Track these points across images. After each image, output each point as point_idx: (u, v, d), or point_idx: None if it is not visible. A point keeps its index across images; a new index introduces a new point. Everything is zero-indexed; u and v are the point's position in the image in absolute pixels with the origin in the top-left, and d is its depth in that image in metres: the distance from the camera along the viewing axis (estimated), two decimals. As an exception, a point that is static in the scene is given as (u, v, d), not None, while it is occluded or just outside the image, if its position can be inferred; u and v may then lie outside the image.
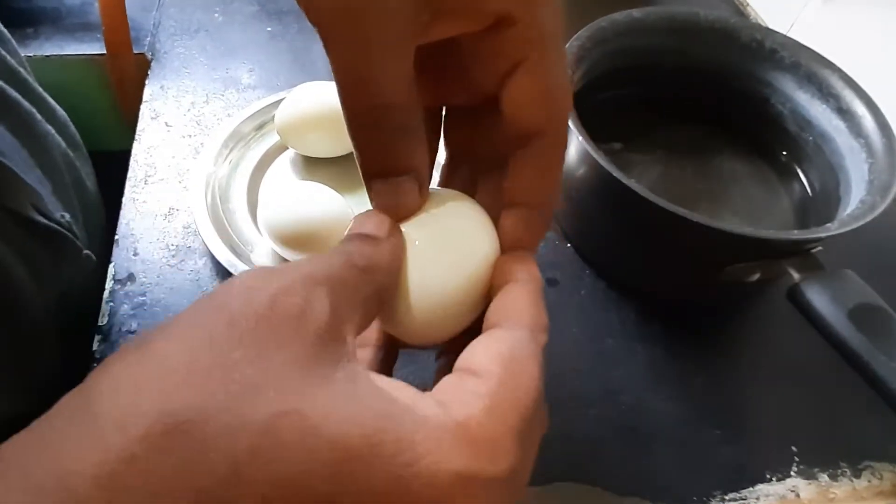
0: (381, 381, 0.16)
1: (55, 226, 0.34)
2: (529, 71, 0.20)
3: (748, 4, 0.63)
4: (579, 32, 0.40)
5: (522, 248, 0.21)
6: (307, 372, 0.15)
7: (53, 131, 0.39)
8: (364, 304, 0.18)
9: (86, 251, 0.36)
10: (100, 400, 0.14)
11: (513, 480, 0.16)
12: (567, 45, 0.39)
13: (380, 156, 0.20)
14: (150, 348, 0.14)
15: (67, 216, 0.35)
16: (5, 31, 0.40)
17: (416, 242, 0.20)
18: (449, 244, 0.20)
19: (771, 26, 0.60)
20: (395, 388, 0.16)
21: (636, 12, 0.42)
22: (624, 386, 0.35)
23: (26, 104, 0.37)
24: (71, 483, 0.13)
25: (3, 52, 0.37)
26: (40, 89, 0.41)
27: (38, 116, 0.38)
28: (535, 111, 0.21)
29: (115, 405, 0.13)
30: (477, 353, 0.18)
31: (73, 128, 0.44)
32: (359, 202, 0.40)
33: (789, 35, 0.56)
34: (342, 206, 0.35)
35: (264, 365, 0.14)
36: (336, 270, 0.17)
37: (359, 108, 0.19)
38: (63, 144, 0.40)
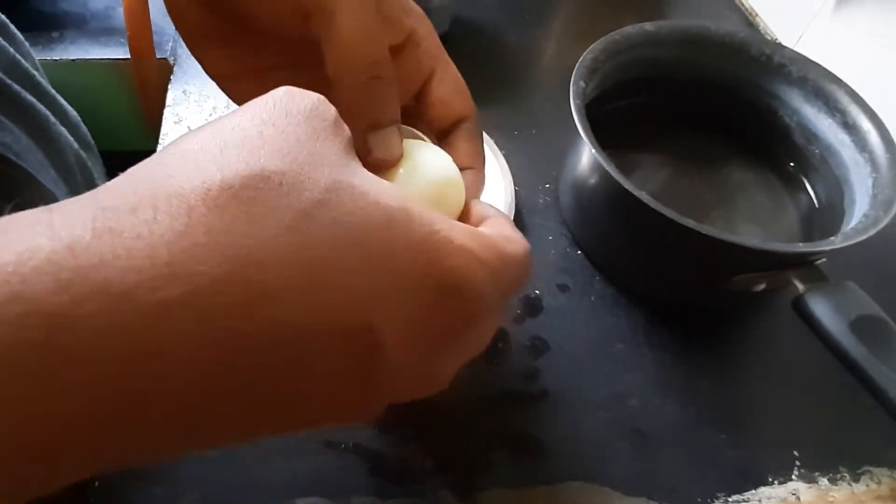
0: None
1: None
2: (445, 75, 0.27)
3: (757, 15, 0.64)
4: (592, 45, 0.41)
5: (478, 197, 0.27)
6: (347, 161, 0.19)
7: (66, 132, 0.40)
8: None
9: None
10: (170, 168, 0.16)
11: (496, 292, 0.20)
12: (581, 58, 0.40)
13: (377, 107, 0.24)
14: (223, 123, 0.18)
15: None
16: (19, 34, 0.41)
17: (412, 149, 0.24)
18: (435, 154, 0.25)
19: (780, 38, 0.61)
20: None
21: (648, 26, 0.43)
22: (632, 390, 0.36)
23: (40, 107, 0.38)
24: (188, 201, 0.15)
25: (18, 56, 0.38)
26: (53, 91, 0.42)
27: (52, 118, 0.39)
28: (460, 102, 0.27)
29: (209, 156, 0.16)
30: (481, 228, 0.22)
31: (84, 128, 0.45)
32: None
33: (798, 47, 0.57)
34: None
35: (318, 147, 0.18)
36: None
37: (361, 65, 0.23)
38: (76, 145, 0.41)
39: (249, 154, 0.17)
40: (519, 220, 0.43)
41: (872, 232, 0.32)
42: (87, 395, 0.14)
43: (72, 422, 0.14)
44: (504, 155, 0.45)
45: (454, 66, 0.27)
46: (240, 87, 0.28)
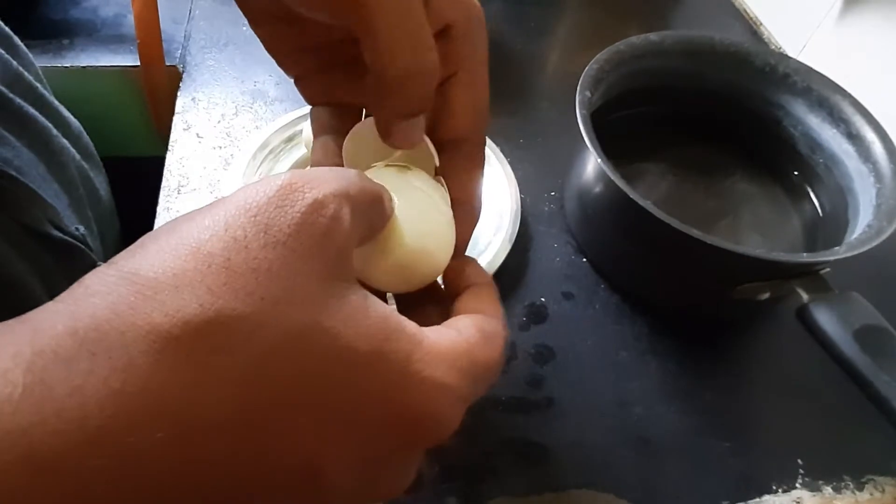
0: (382, 304, 0.19)
1: (70, 239, 0.35)
2: (462, 84, 0.24)
3: (761, 24, 0.65)
4: (598, 56, 0.41)
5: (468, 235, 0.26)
6: (328, 286, 0.17)
7: (68, 144, 0.40)
8: (363, 233, 0.20)
9: (100, 262, 0.38)
10: (145, 277, 0.15)
11: (463, 406, 0.20)
12: (586, 69, 0.40)
13: (415, 101, 0.22)
14: (192, 227, 0.16)
15: (82, 229, 0.37)
16: (22, 46, 0.41)
17: (397, 202, 0.22)
18: (423, 207, 0.23)
19: (784, 47, 0.61)
20: (394, 312, 0.19)
21: (653, 36, 0.44)
22: (637, 397, 0.37)
23: (42, 120, 0.38)
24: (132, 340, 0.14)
25: (21, 69, 0.39)
26: (56, 102, 0.42)
27: (55, 131, 0.39)
28: (466, 122, 0.25)
29: (159, 290, 0.15)
30: (460, 321, 0.21)
31: (87, 138, 0.45)
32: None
33: (802, 56, 0.58)
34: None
35: (293, 277, 0.16)
36: (359, 193, 0.19)
37: (412, 59, 0.21)
38: (78, 157, 0.41)
39: (207, 292, 0.15)
40: (524, 228, 0.43)
41: (876, 242, 0.33)
42: None
43: None
44: (509, 162, 0.45)
45: (484, 80, 0.25)
46: (296, 63, 0.28)
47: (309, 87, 0.28)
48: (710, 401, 0.37)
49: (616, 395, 0.37)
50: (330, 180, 0.18)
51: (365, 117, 0.28)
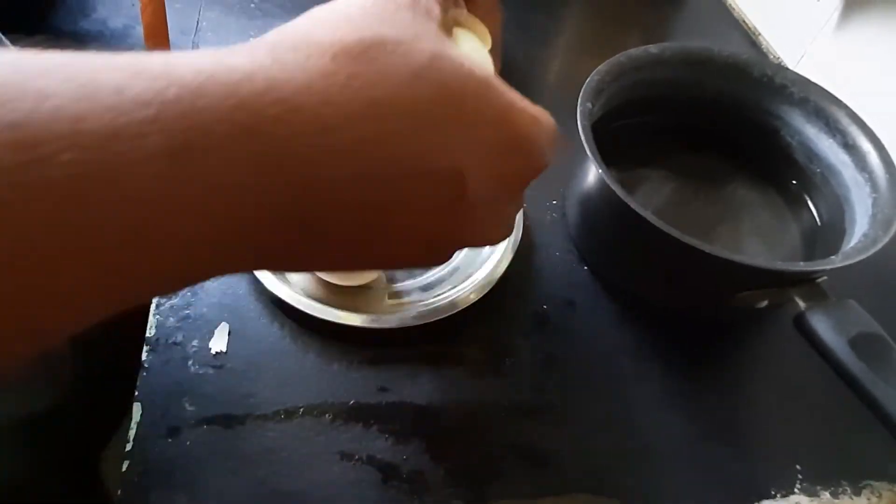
0: None
1: None
2: None
3: (760, 34, 0.66)
4: (599, 67, 0.42)
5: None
6: (443, 38, 0.22)
7: None
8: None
9: None
10: (313, 26, 0.20)
11: (551, 147, 0.24)
12: (587, 80, 0.41)
13: None
14: (333, 5, 0.21)
15: None
16: None
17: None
18: (474, 44, 0.27)
19: (782, 57, 0.62)
20: None
21: (653, 48, 0.44)
22: (638, 403, 0.37)
23: None
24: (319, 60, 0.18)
25: None
26: None
27: None
28: None
29: (341, 22, 0.20)
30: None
31: None
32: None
33: (800, 66, 0.59)
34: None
35: (421, 25, 0.21)
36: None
37: None
38: None
39: (371, 24, 0.20)
40: (527, 236, 0.44)
41: (871, 252, 0.33)
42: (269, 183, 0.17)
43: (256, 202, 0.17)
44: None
45: None
46: None
47: None
48: (711, 407, 0.38)
49: (618, 400, 0.37)
50: None
51: None
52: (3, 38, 0.42)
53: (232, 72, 0.16)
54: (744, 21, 0.67)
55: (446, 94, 0.20)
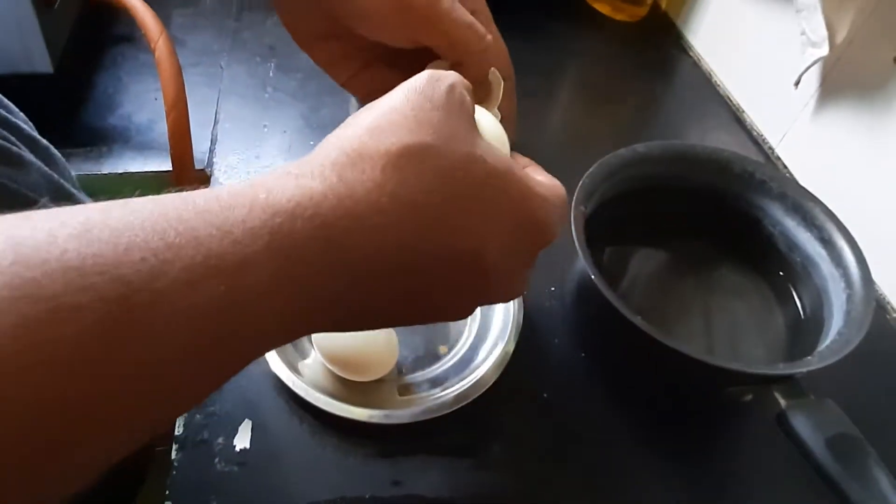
0: None
1: None
2: (497, 40, 0.36)
3: (744, 111, 0.69)
4: (590, 170, 0.45)
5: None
6: (473, 133, 0.26)
7: None
8: None
9: None
10: (365, 138, 0.24)
11: (557, 221, 0.29)
12: (580, 183, 0.44)
13: (485, 68, 0.35)
14: (384, 107, 0.25)
15: None
16: (58, 154, 0.45)
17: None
18: (490, 121, 0.31)
19: (765, 133, 0.66)
20: None
21: (640, 147, 0.48)
22: (631, 488, 0.40)
23: None
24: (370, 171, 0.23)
25: (62, 181, 0.43)
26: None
27: None
28: (507, 65, 0.36)
29: (386, 131, 0.24)
30: (538, 173, 0.31)
31: None
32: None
33: (782, 145, 0.62)
34: (389, 336, 0.41)
35: (454, 125, 0.25)
36: (467, 84, 0.29)
37: (476, 41, 0.34)
38: None
39: (410, 131, 0.24)
40: (527, 322, 0.47)
41: (845, 353, 0.36)
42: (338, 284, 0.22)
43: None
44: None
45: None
46: (345, 69, 0.38)
47: (357, 84, 0.38)
48: (703, 494, 0.40)
49: (618, 492, 0.40)
50: (452, 75, 0.28)
51: None
52: (52, 147, 0.45)
53: (313, 195, 0.22)
54: (729, 98, 0.71)
55: (473, 190, 0.25)
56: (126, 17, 0.58)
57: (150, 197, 0.20)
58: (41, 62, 0.54)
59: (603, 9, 0.82)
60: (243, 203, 0.20)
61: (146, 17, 0.54)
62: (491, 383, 0.42)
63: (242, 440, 0.39)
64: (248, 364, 0.22)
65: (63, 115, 0.60)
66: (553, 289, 0.50)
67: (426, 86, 0.26)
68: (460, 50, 0.33)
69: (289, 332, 0.23)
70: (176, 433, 0.40)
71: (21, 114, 0.40)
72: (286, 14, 0.37)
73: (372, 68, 0.39)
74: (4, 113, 0.38)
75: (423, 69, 0.28)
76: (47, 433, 0.16)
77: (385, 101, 0.26)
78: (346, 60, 0.38)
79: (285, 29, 0.38)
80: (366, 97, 0.37)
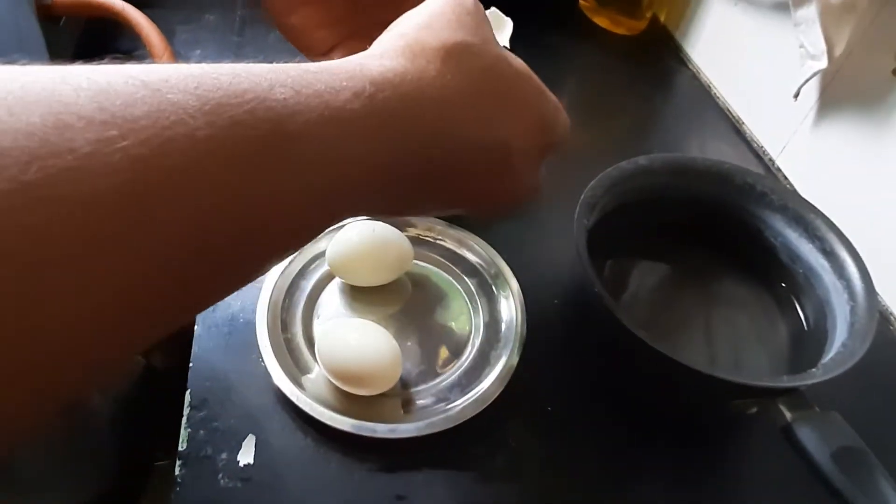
0: None
1: None
2: None
3: (744, 123, 0.70)
4: (592, 183, 0.46)
5: None
6: (496, 39, 0.30)
7: None
8: None
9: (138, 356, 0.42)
10: (423, 34, 0.27)
11: (565, 127, 0.35)
12: (582, 197, 0.45)
13: None
14: (430, 11, 0.29)
15: None
16: None
17: None
18: None
19: (765, 145, 0.66)
20: None
21: (641, 160, 0.48)
22: (636, 503, 0.40)
23: None
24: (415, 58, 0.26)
25: None
26: None
27: None
28: None
29: (437, 29, 0.27)
30: None
31: None
32: (401, 327, 0.45)
33: (782, 156, 0.62)
34: (393, 350, 0.41)
35: (485, 31, 0.29)
36: None
37: None
38: None
39: (455, 30, 0.28)
40: (531, 335, 0.47)
41: (849, 365, 0.36)
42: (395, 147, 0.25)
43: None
44: (514, 273, 0.49)
45: None
46: (323, 40, 0.40)
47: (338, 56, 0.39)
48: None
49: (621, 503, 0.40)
50: None
51: None
52: None
53: (396, 73, 0.25)
54: (729, 110, 0.72)
55: (503, 86, 0.28)
56: (129, 33, 0.58)
57: (271, 64, 0.22)
58: (46, 78, 0.55)
59: (602, 22, 0.83)
60: (346, 72, 0.24)
61: (150, 33, 0.55)
62: (495, 397, 0.42)
63: (246, 455, 0.39)
64: (331, 225, 0.25)
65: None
66: (556, 301, 0.50)
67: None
68: None
69: (366, 195, 0.25)
70: (179, 449, 0.40)
71: None
72: None
73: (348, 43, 0.40)
74: None
75: None
76: (205, 242, 0.18)
77: (427, 6, 0.29)
78: (323, 30, 0.40)
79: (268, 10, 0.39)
80: None
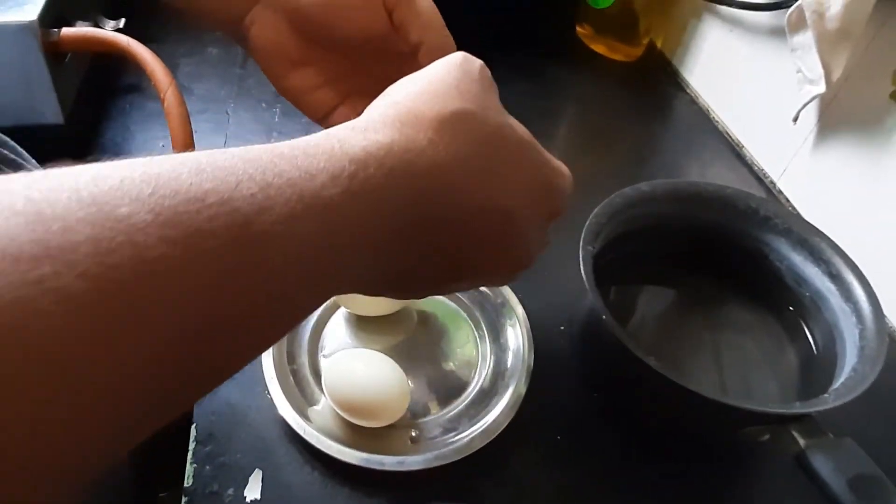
0: None
1: None
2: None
3: (743, 147, 0.70)
4: (595, 210, 0.46)
5: None
6: (501, 107, 0.29)
7: None
8: None
9: None
10: (418, 102, 0.26)
11: (568, 194, 0.33)
12: (587, 224, 0.45)
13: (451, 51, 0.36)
14: (430, 77, 0.28)
15: None
16: None
17: None
18: None
19: (765, 168, 0.66)
20: None
21: (644, 186, 0.48)
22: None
23: None
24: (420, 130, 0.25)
25: None
26: None
27: None
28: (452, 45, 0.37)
29: (434, 97, 0.26)
30: None
31: None
32: (407, 357, 0.45)
33: (783, 179, 0.63)
34: (401, 380, 0.41)
35: (488, 98, 0.28)
36: None
37: (441, 27, 0.36)
38: None
39: (454, 99, 0.26)
40: (538, 363, 0.46)
41: (861, 390, 0.36)
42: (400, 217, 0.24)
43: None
44: (520, 300, 0.49)
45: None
46: (320, 102, 0.39)
47: (337, 120, 0.38)
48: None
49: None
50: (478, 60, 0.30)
51: None
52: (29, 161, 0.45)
53: (380, 147, 0.24)
54: (728, 134, 0.72)
55: (505, 154, 0.28)
56: (135, 68, 0.59)
57: (240, 147, 0.21)
58: (52, 115, 0.55)
59: (599, 49, 0.84)
60: (323, 151, 0.22)
61: (156, 68, 0.55)
62: (503, 427, 0.41)
63: (253, 491, 0.39)
64: (324, 303, 0.24)
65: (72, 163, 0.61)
66: (562, 328, 0.50)
67: (463, 62, 0.29)
68: (433, 28, 0.35)
69: (360, 277, 0.25)
70: (185, 485, 0.39)
71: (32, 160, 0.41)
72: (258, 37, 0.36)
73: (350, 101, 0.39)
74: (15, 157, 0.39)
75: None
76: (186, 349, 0.17)
77: (427, 72, 0.28)
78: (322, 91, 0.39)
79: (259, 66, 0.38)
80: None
